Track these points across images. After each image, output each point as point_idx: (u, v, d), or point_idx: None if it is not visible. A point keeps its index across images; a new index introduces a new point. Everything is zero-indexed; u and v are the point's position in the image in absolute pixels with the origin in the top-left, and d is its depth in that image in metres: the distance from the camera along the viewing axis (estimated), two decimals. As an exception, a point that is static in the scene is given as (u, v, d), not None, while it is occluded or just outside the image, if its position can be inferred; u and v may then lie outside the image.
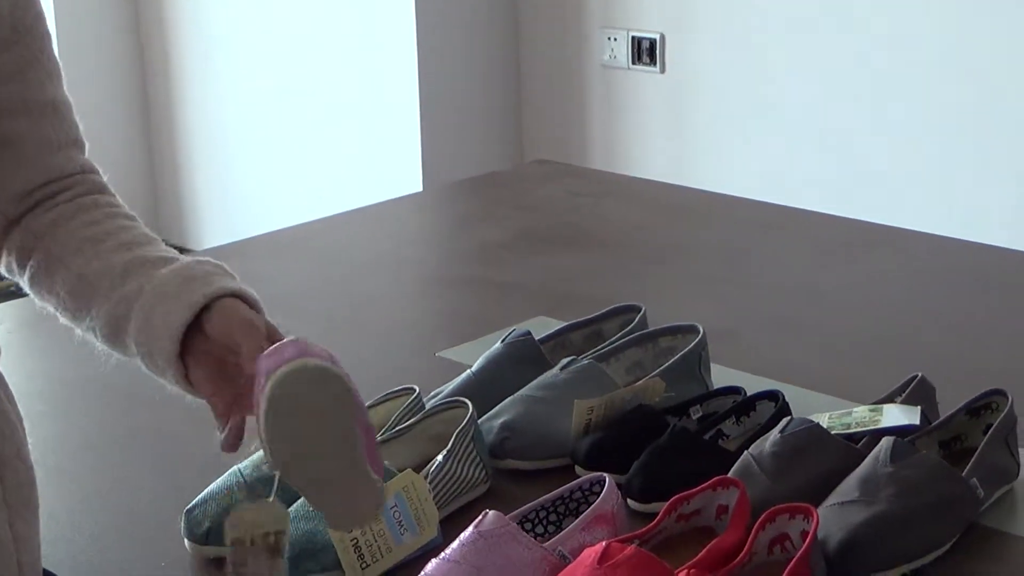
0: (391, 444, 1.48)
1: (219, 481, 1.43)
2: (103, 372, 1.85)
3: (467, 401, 1.51)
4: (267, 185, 4.70)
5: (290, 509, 1.36)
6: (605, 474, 1.37)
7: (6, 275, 1.33)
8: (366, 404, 1.55)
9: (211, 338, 1.18)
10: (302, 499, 1.37)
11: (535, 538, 1.30)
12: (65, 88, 1.31)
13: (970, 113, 3.51)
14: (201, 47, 4.84)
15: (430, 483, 1.40)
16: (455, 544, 1.27)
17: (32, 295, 1.30)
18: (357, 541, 1.31)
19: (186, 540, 1.39)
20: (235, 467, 1.44)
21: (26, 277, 1.30)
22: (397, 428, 1.50)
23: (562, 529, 1.35)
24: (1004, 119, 3.46)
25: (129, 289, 1.22)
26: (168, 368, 1.20)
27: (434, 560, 1.26)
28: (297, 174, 4.45)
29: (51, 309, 1.30)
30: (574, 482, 1.38)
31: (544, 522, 1.36)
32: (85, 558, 1.41)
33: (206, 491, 1.42)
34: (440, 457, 1.44)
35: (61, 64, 1.31)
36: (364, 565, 1.32)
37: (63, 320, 1.29)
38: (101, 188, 1.33)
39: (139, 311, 1.20)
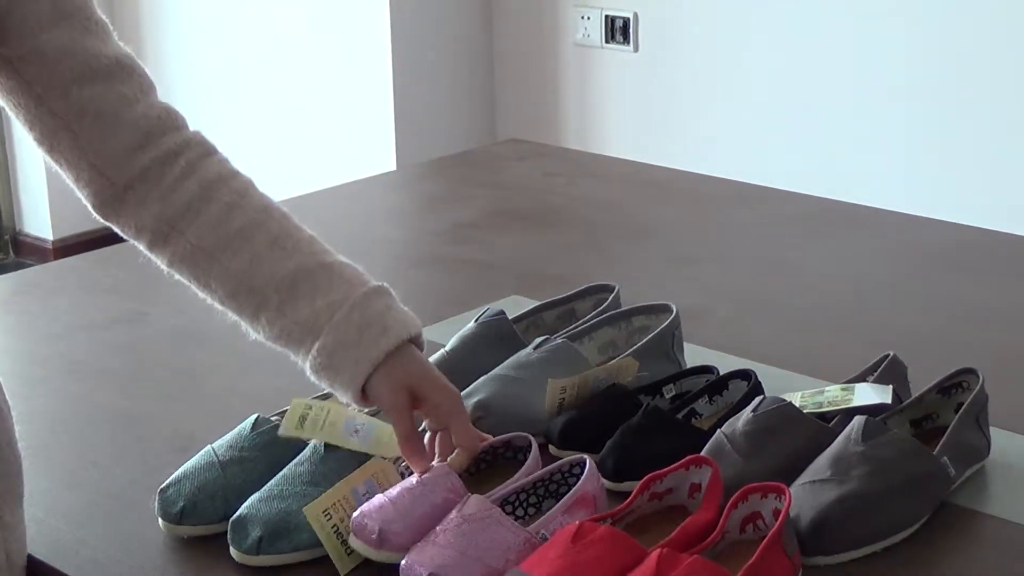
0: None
1: (192, 460, 1.42)
2: (73, 350, 1.86)
3: (441, 380, 1.50)
4: (239, 165, 4.66)
5: (263, 489, 1.36)
6: (586, 456, 1.37)
7: (128, 239, 1.37)
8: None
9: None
10: (275, 479, 1.37)
11: (515, 520, 1.30)
12: (118, 41, 1.35)
13: (944, 93, 3.52)
14: (172, 26, 4.81)
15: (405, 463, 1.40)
16: (438, 528, 1.26)
17: (166, 269, 1.36)
18: (337, 528, 1.31)
19: (160, 519, 1.39)
20: (208, 446, 1.43)
21: (164, 261, 1.35)
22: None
23: (542, 511, 1.34)
24: (976, 98, 3.47)
25: (303, 316, 1.32)
26: (350, 400, 1.34)
27: (418, 544, 1.26)
28: (269, 154, 4.44)
29: (192, 288, 1.36)
30: (554, 464, 1.37)
31: (524, 504, 1.35)
32: (58, 537, 1.40)
33: (179, 470, 1.41)
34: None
35: None
36: (349, 551, 1.31)
37: (211, 303, 1.36)
38: (207, 149, 1.38)
39: (320, 351, 1.31)
